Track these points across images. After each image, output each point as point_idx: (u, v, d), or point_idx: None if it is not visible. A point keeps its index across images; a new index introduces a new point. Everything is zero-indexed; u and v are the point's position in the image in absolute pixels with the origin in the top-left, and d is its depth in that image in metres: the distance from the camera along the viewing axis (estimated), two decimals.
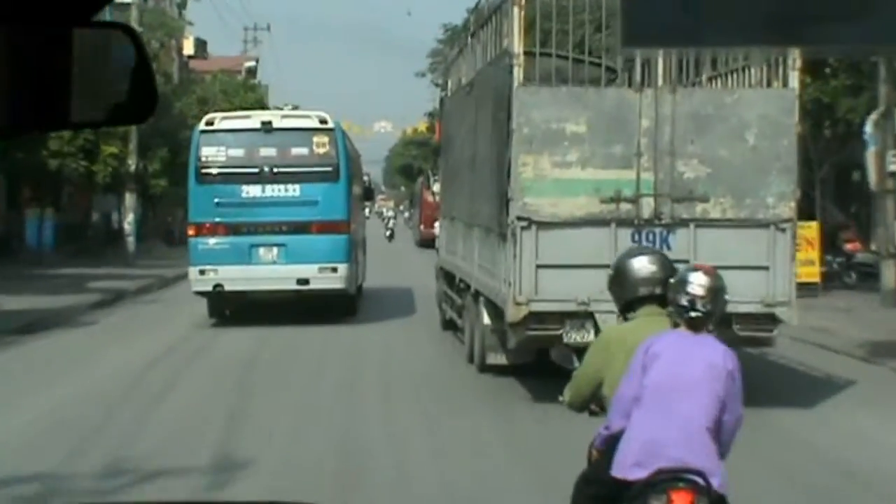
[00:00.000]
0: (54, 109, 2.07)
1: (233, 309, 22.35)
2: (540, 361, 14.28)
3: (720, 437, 5.54)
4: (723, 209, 12.84)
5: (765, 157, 12.84)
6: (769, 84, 13.07)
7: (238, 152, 21.29)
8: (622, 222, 12.89)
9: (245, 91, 59.06)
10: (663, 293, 5.85)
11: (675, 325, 5.64)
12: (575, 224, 12.90)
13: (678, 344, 5.57)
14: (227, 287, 21.27)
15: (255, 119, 21.91)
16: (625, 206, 12.88)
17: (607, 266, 12.99)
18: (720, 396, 5.50)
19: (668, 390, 5.46)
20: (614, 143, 12.90)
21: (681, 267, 12.82)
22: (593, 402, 6.18)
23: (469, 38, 17.76)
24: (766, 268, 12.86)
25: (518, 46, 12.95)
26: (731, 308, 12.95)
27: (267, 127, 21.35)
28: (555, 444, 11.93)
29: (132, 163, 38.97)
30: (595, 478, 5.85)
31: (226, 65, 64.11)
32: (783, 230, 12.86)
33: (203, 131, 21.55)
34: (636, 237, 12.92)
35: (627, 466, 5.48)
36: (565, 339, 12.92)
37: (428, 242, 43.69)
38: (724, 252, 12.97)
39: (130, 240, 39.07)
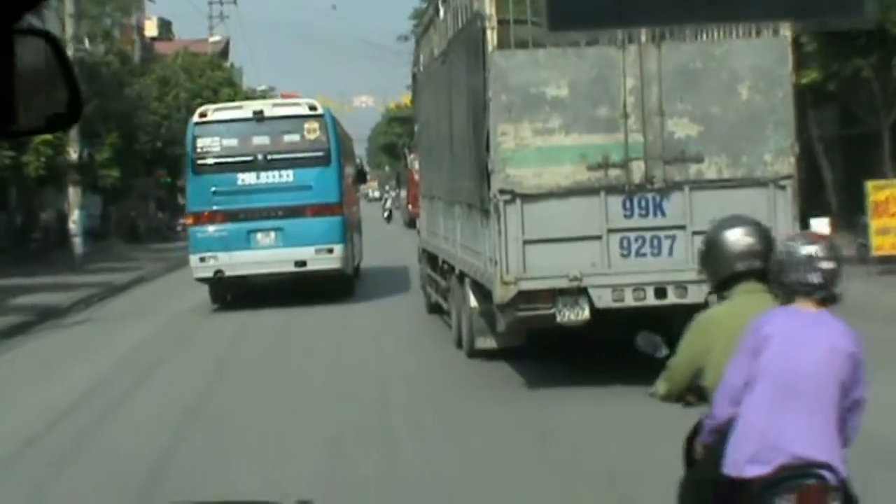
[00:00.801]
0: None
1: (234, 293, 23.49)
2: (531, 344, 13.66)
3: (844, 425, 5.01)
4: (718, 169, 12.24)
5: (759, 110, 12.26)
6: (758, 33, 12.31)
7: (232, 142, 22.27)
8: (612, 189, 12.29)
9: (212, 69, 56.92)
10: (763, 267, 5.36)
11: (784, 303, 5.07)
12: (561, 194, 12.31)
13: (793, 324, 5.00)
14: (228, 272, 22.37)
15: (246, 109, 22.98)
16: (614, 172, 12.26)
17: (598, 237, 12.62)
18: (843, 381, 4.97)
19: (786, 376, 4.93)
20: (599, 106, 12.28)
21: (679, 233, 12.38)
22: (691, 393, 5.67)
23: (440, 6, 16.96)
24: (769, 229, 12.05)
25: (490, 8, 12.22)
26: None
27: (259, 116, 22.34)
28: (557, 429, 11.34)
29: (74, 152, 34.16)
30: (705, 477, 5.26)
31: (195, 48, 61.53)
32: (783, 188, 12.23)
33: (197, 123, 22.52)
34: (628, 204, 12.29)
35: (743, 463, 4.94)
36: (558, 319, 12.31)
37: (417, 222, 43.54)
38: (723, 214, 12.13)
39: (77, 241, 34.36)
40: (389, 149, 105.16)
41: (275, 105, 23.86)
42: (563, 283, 12.24)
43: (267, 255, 22.17)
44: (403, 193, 56.73)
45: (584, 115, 12.31)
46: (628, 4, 1.56)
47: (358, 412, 12.55)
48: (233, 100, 51.61)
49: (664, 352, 5.90)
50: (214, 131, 22.39)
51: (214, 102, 51.62)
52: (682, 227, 12.31)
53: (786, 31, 12.30)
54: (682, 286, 12.24)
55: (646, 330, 6.15)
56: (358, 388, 13.97)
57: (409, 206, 52.15)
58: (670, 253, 12.30)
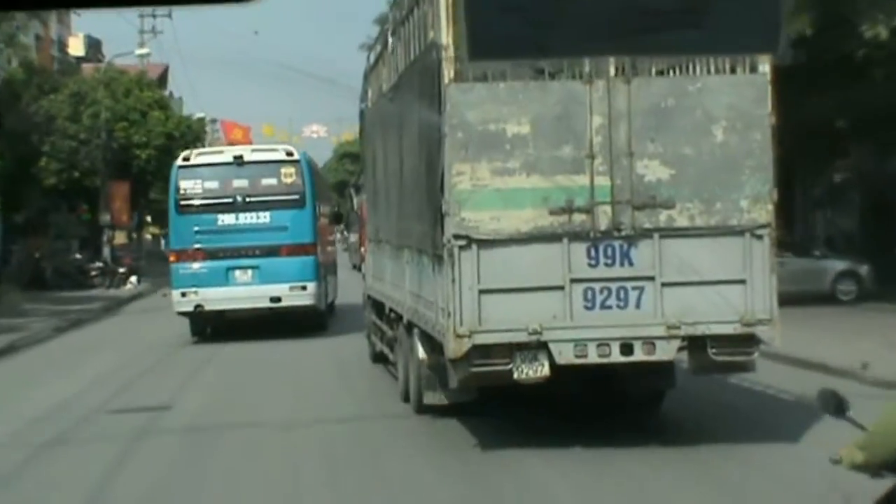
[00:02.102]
0: None
1: (213, 326, 25.30)
2: (484, 399, 12.75)
3: None
4: (690, 216, 11.53)
5: (735, 153, 11.62)
6: (733, 70, 11.54)
7: (213, 184, 24.32)
8: (576, 236, 11.58)
9: (141, 90, 51.58)
10: None
11: None
12: (521, 240, 11.60)
13: None
14: (207, 307, 24.35)
15: (227, 154, 25.29)
16: (578, 217, 11.53)
17: (560, 288, 11.76)
18: None
19: None
20: (563, 145, 11.58)
21: (648, 286, 11.55)
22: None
23: (389, 38, 16.09)
24: (743, 281, 11.39)
25: (447, 37, 11.40)
26: (705, 329, 11.68)
27: (238, 161, 24.39)
28: (512, 496, 10.38)
29: None
30: None
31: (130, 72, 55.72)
32: (760, 237, 11.50)
33: (181, 167, 24.69)
34: (593, 252, 11.51)
35: None
36: (516, 375, 11.47)
37: None
38: (695, 265, 11.60)
39: None
40: (341, 187, 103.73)
41: (254, 150, 25.82)
42: (521, 337, 11.48)
43: (244, 292, 24.12)
44: (353, 237, 55.41)
45: (546, 154, 11.59)
46: (551, 36, 1.60)
47: (292, 478, 11.53)
48: (164, 123, 50.40)
49: (849, 413, 5.23)
50: (196, 174, 24.40)
51: (142, 126, 49.26)
52: (651, 279, 11.53)
53: (765, 67, 11.52)
54: (649, 342, 11.46)
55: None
56: (295, 448, 12.92)
57: (362, 249, 51.15)
58: (638, 306, 11.49)
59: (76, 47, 58.51)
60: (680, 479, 10.90)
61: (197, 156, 25.34)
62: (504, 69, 11.56)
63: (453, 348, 11.55)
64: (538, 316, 11.46)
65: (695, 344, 11.74)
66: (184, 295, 24.41)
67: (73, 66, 53.75)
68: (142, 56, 56.76)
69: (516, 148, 11.56)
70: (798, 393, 14.52)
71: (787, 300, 22.10)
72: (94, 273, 46.13)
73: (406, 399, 14.85)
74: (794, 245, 27.81)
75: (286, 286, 24.11)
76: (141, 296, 42.06)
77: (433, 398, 13.73)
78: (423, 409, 14.02)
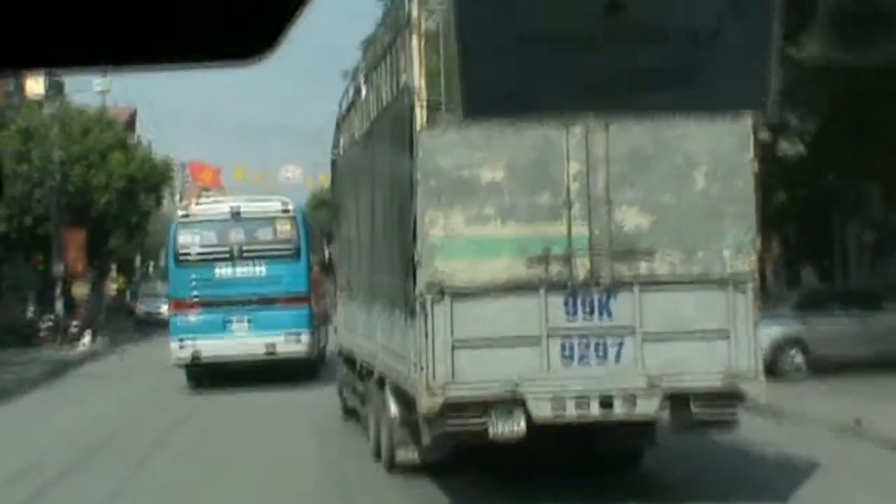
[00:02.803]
0: None
1: (210, 376, 25.52)
2: (458, 456, 12.29)
3: None
4: (671, 265, 11.24)
5: (717, 201, 11.34)
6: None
7: (211, 237, 25.24)
8: (553, 287, 11.24)
9: (101, 130, 47.72)
10: None
11: None
12: (496, 291, 11.25)
13: None
14: (204, 356, 24.98)
15: (224, 207, 26.02)
16: (555, 267, 11.22)
17: (537, 340, 11.33)
18: None
19: None
20: (539, 192, 11.27)
21: (628, 339, 11.15)
22: None
23: (362, 84, 15.75)
24: (727, 335, 10.93)
25: (419, 80, 11.03)
26: (687, 385, 11.27)
27: (235, 214, 25.27)
28: None
29: None
30: None
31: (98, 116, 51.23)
32: (743, 288, 11.08)
33: (180, 221, 25.97)
34: (570, 303, 11.12)
35: None
36: (491, 433, 10.95)
37: None
38: (676, 317, 11.23)
39: None
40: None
41: (251, 200, 26.80)
42: (497, 393, 11.07)
43: (240, 341, 24.88)
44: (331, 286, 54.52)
45: (522, 201, 11.28)
46: (543, 94, 1.62)
47: None
48: (126, 165, 46.98)
49: None
50: (195, 228, 25.46)
51: (102, 168, 45.50)
52: (631, 331, 11.16)
53: (746, 114, 11.16)
54: (630, 397, 11.08)
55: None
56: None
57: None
58: (617, 359, 11.11)
59: (35, 86, 50.48)
60: None
61: (195, 210, 26.50)
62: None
63: (426, 404, 11.13)
64: (514, 370, 11.11)
65: (676, 400, 11.34)
66: (181, 346, 25.16)
67: (22, 100, 47.29)
68: (102, 92, 52.21)
69: (491, 195, 11.22)
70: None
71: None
72: (43, 330, 42.63)
73: (378, 456, 14.43)
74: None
75: (281, 336, 24.93)
76: (95, 356, 38.34)
77: (405, 455, 13.31)
78: (394, 466, 13.56)
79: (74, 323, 42.56)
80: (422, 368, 11.14)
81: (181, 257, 25.56)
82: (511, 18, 1.67)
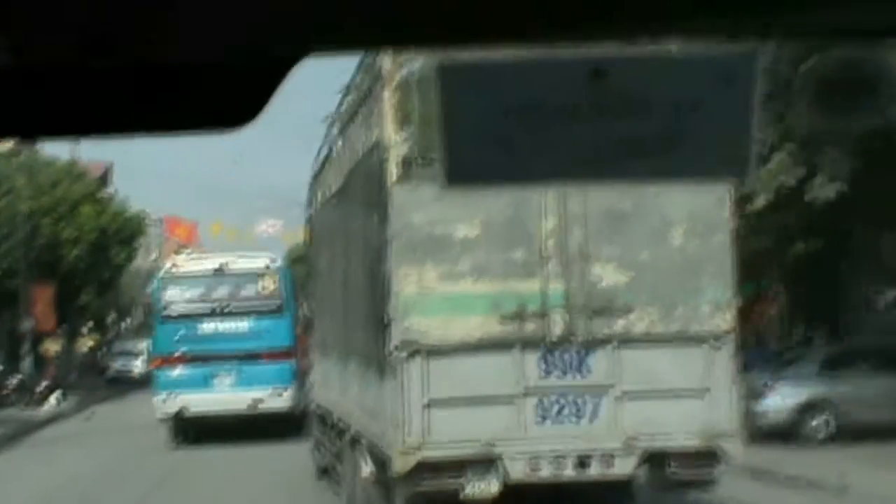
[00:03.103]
0: None
1: (194, 431, 25.50)
2: None
3: None
4: (649, 322, 11.12)
5: (695, 258, 11.25)
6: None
7: (196, 293, 25.42)
8: (528, 344, 11.12)
9: (71, 182, 45.51)
10: None
11: None
12: (471, 349, 11.12)
13: None
14: (190, 410, 24.99)
15: (210, 263, 26.32)
16: (530, 325, 11.10)
17: (513, 399, 11.15)
18: None
19: None
20: (514, 248, 11.15)
21: (605, 397, 10.97)
22: None
23: (337, 139, 15.62)
24: (705, 392, 10.81)
25: (393, 135, 10.92)
26: (663, 444, 11.09)
27: (220, 271, 25.52)
28: None
29: None
30: None
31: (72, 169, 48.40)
32: (721, 345, 10.98)
33: (164, 277, 26.43)
34: (546, 360, 10.95)
35: None
36: (468, 492, 10.71)
37: None
38: (653, 375, 11.12)
39: None
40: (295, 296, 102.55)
41: (237, 258, 26.67)
42: (473, 452, 10.94)
43: (225, 395, 24.84)
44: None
45: (497, 258, 11.17)
46: (526, 161, 1.63)
47: None
48: (96, 219, 45.23)
49: None
50: (180, 284, 25.68)
51: (71, 221, 43.45)
52: (608, 388, 10.98)
53: (725, 181, 11.06)
54: (607, 457, 10.87)
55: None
56: None
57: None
58: (594, 418, 10.98)
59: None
60: None
61: (180, 266, 26.73)
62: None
63: (399, 464, 10.95)
64: (490, 428, 10.98)
65: (654, 459, 11.16)
66: (166, 400, 25.36)
67: None
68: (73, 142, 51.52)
69: (465, 251, 11.10)
70: None
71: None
72: (9, 389, 39.67)
73: None
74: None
75: (266, 390, 25.01)
76: (61, 417, 36.23)
77: None
78: None
79: (44, 383, 40.42)
80: (395, 427, 10.94)
81: (166, 312, 25.73)
82: (495, 88, 1.69)
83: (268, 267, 25.91)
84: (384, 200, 11.23)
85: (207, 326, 25.19)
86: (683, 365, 11.17)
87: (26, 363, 42.91)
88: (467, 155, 1.66)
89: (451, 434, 10.90)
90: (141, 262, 77.87)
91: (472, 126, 1.68)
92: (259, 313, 25.17)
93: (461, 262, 11.09)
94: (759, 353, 28.80)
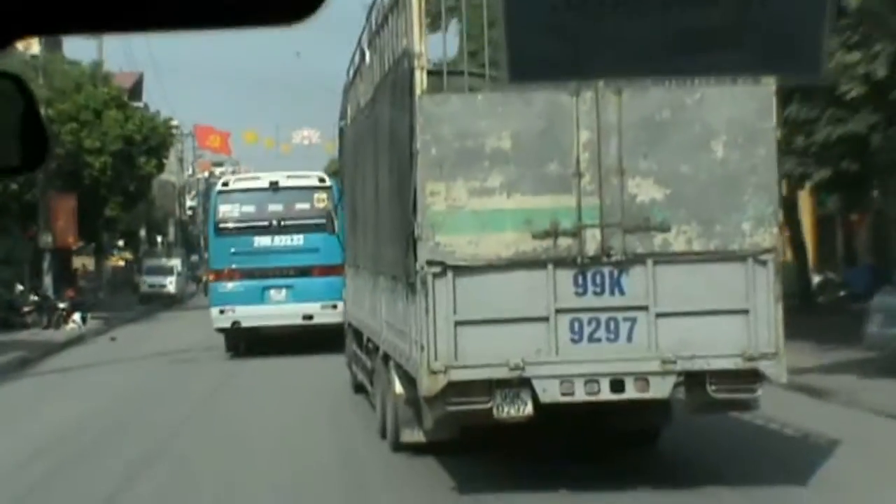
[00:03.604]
0: None
1: (247, 343, 26.85)
2: (466, 437, 11.78)
3: None
4: (687, 239, 10.70)
5: (737, 171, 10.80)
6: (735, 80, 10.52)
7: (250, 208, 26.39)
8: (561, 262, 10.70)
9: (94, 86, 43.32)
10: None
11: None
12: (502, 267, 10.72)
13: None
14: (244, 324, 26.16)
15: (264, 180, 27.12)
16: (564, 242, 10.69)
17: (545, 319, 10.75)
18: None
19: None
20: (547, 162, 10.73)
21: (641, 317, 10.57)
22: None
23: (366, 50, 15.13)
24: (746, 311, 10.48)
25: (420, 45, 10.56)
26: (704, 364, 10.69)
27: (274, 186, 26.39)
28: None
29: None
30: None
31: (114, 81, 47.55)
32: (763, 263, 10.58)
33: (220, 192, 27.24)
34: (580, 280, 10.67)
35: None
36: (496, 415, 10.46)
37: None
38: (692, 294, 10.72)
39: None
40: None
41: (289, 177, 27.28)
42: (502, 373, 10.60)
43: (279, 309, 25.88)
44: None
45: (529, 173, 10.73)
46: (589, 57, 1.60)
47: None
48: (123, 125, 43.53)
49: None
50: (235, 199, 26.59)
51: (97, 128, 41.27)
52: (644, 308, 10.61)
53: (769, 78, 10.51)
54: (642, 378, 10.53)
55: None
56: (261, 485, 11.90)
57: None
58: (629, 338, 10.57)
59: (31, 44, 44.70)
60: None
61: (236, 181, 27.85)
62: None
63: (427, 385, 10.60)
64: (520, 350, 10.58)
65: (692, 380, 10.78)
66: (222, 312, 26.34)
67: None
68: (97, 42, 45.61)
69: (496, 165, 10.65)
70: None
71: None
72: (27, 309, 37.60)
73: (384, 435, 13.92)
74: None
75: (318, 304, 25.63)
76: (82, 340, 34.25)
77: (411, 435, 12.80)
78: (399, 446, 13.04)
79: (62, 303, 37.87)
80: (423, 348, 10.61)
81: (220, 227, 26.58)
82: None
83: (321, 182, 26.70)
84: (411, 112, 10.79)
85: (262, 241, 26.06)
86: (723, 284, 10.74)
87: (46, 281, 40.79)
88: (530, 50, 1.61)
89: (480, 355, 10.54)
90: (175, 177, 77.37)
91: (535, 21, 1.64)
92: (311, 229, 25.47)
93: (492, 177, 10.65)
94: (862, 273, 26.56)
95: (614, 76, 1.81)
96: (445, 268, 10.58)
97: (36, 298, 38.66)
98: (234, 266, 26.37)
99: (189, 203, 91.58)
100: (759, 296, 10.67)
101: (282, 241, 26.04)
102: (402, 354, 12.09)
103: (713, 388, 10.72)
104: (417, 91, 10.64)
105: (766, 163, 10.73)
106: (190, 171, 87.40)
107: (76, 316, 37.15)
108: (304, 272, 25.87)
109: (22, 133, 2.24)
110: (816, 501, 10.83)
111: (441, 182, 10.61)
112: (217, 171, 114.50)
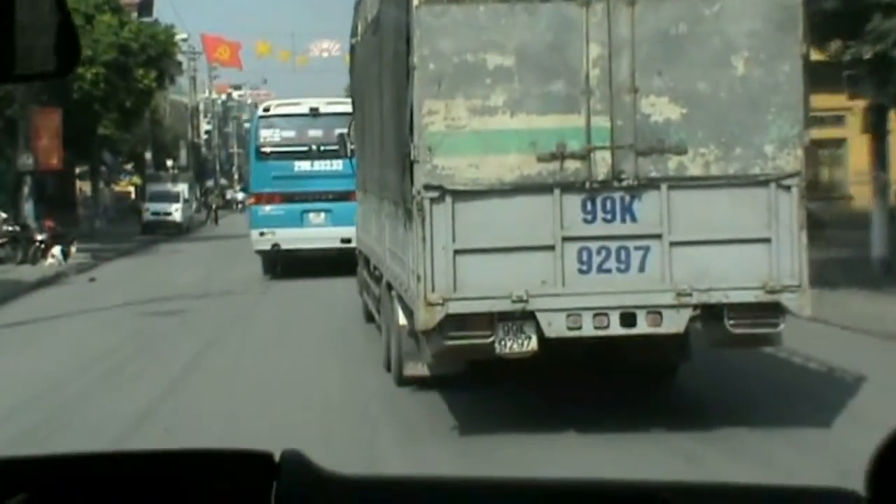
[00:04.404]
0: None
1: (283, 264, 27.70)
2: (473, 372, 11.20)
3: None
4: (705, 163, 10.07)
5: (759, 89, 10.12)
6: None
7: (290, 133, 26.93)
8: (569, 186, 10.07)
9: (102, 13, 39.79)
10: None
11: None
12: (504, 191, 10.08)
13: None
14: (283, 246, 27.04)
15: (304, 105, 27.39)
16: (572, 164, 10.07)
17: (551, 248, 10.07)
18: None
19: None
20: (554, 79, 10.07)
21: (655, 246, 9.88)
22: None
23: None
24: (767, 240, 9.96)
25: None
26: (721, 297, 9.98)
27: (314, 112, 26.87)
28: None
29: None
30: None
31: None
32: (787, 188, 10.05)
33: (261, 116, 27.83)
34: (589, 206, 10.00)
35: None
36: (498, 350, 9.92)
37: None
38: (710, 221, 10.12)
39: None
40: None
41: (329, 103, 27.58)
42: (504, 306, 10.02)
43: (317, 233, 26.56)
44: None
45: (534, 90, 10.07)
46: None
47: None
48: (117, 33, 39.95)
49: None
50: (276, 123, 27.11)
51: (87, 34, 36.78)
52: (658, 237, 9.96)
53: None
54: (655, 311, 9.90)
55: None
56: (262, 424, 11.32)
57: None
58: (641, 269, 9.93)
59: None
60: (695, 465, 9.25)
61: (277, 106, 28.15)
62: None
63: (424, 318, 10.01)
64: (524, 281, 9.98)
65: (710, 313, 10.14)
66: (262, 235, 27.14)
67: None
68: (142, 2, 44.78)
69: (499, 82, 9.97)
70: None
71: None
72: (0, 241, 33.34)
73: (389, 368, 13.31)
74: None
75: (355, 228, 26.69)
76: (58, 279, 29.81)
77: (414, 369, 12.25)
78: (404, 381, 12.48)
79: (41, 235, 33.60)
80: (419, 278, 9.95)
81: (262, 151, 27.21)
82: None
83: None
84: (408, 23, 10.05)
85: (301, 166, 26.61)
86: (743, 210, 10.05)
87: (27, 208, 36.84)
88: None
89: (481, 286, 9.92)
90: (187, 98, 75.63)
91: None
92: (351, 154, 25.38)
93: (494, 95, 9.95)
94: None
95: None
96: (444, 192, 9.92)
97: (12, 229, 34.29)
98: (274, 190, 26.97)
99: (205, 126, 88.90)
100: (783, 224, 10.00)
101: (321, 165, 26.40)
102: (402, 284, 11.46)
103: (732, 322, 10.06)
104: (415, 2, 9.89)
105: (790, 80, 9.99)
106: (206, 93, 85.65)
107: (56, 250, 32.86)
108: (342, 197, 25.60)
109: (56, 36, 2.26)
110: (842, 441, 10.17)
111: (439, 100, 9.91)
112: (235, 93, 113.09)
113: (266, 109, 28.24)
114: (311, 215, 26.83)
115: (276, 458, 1.90)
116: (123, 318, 21.10)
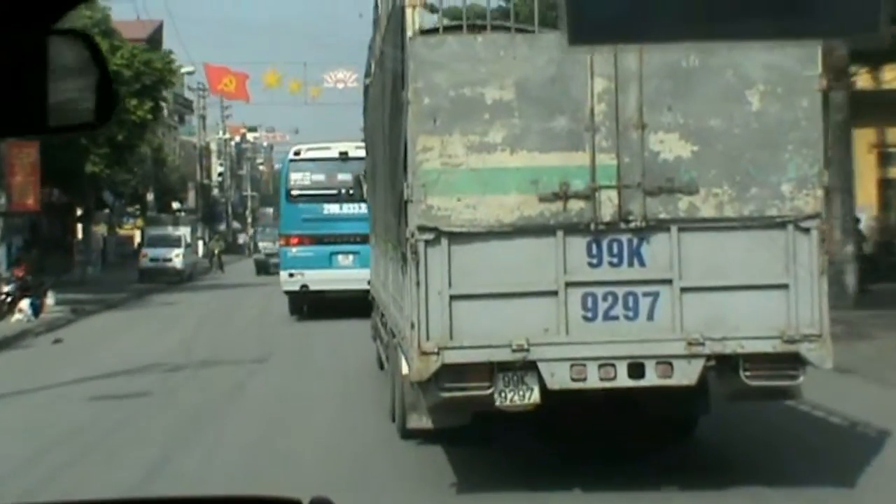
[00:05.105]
0: (22, 114, 2.26)
1: (311, 306, 28.84)
2: (480, 423, 10.68)
3: None
4: (718, 203, 9.60)
5: (776, 125, 9.62)
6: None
7: (320, 177, 27.90)
8: (573, 228, 9.58)
9: (101, 36, 35.41)
10: None
11: None
12: (504, 233, 9.59)
13: None
14: (311, 287, 27.93)
15: (333, 150, 28.21)
16: (576, 205, 9.61)
17: (553, 293, 9.52)
18: None
19: None
20: (557, 114, 9.62)
21: (664, 292, 9.33)
22: None
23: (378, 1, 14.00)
24: (785, 286, 9.41)
25: None
26: (736, 347, 9.39)
27: (343, 156, 27.48)
28: None
29: None
30: None
31: (126, 32, 42.57)
32: (806, 230, 9.56)
33: (292, 160, 28.89)
34: (594, 249, 9.53)
35: None
36: (497, 402, 9.37)
37: None
38: (723, 266, 9.70)
39: None
40: None
41: (357, 147, 27.40)
42: (503, 355, 9.53)
43: (345, 275, 26.98)
44: None
45: (536, 126, 9.60)
46: (646, 19, 1.58)
47: None
48: (114, 53, 36.47)
49: None
50: (306, 167, 28.11)
51: None
52: (668, 282, 9.49)
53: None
54: (666, 362, 9.37)
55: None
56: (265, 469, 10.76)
57: None
58: (650, 316, 9.46)
59: None
60: None
61: (307, 151, 28.84)
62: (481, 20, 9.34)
63: (418, 368, 9.54)
64: (525, 328, 9.47)
65: (725, 365, 9.55)
66: (291, 276, 28.11)
67: None
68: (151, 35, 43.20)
69: (498, 118, 9.54)
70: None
71: None
72: None
73: (394, 419, 12.79)
74: None
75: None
76: (21, 340, 25.55)
77: (418, 421, 11.66)
78: (407, 433, 11.99)
79: (6, 286, 29.71)
80: (413, 325, 9.44)
81: (292, 194, 28.09)
82: None
83: None
84: (403, 55, 9.60)
85: (330, 209, 27.48)
86: (759, 254, 9.53)
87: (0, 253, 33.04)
88: (590, 12, 1.56)
89: (479, 335, 9.42)
90: (195, 138, 74.05)
91: None
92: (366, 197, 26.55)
93: (493, 131, 9.49)
94: None
95: (672, 40, 1.62)
96: (439, 234, 9.44)
97: None
98: (303, 232, 27.81)
99: (217, 168, 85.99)
100: (802, 269, 9.46)
101: (349, 208, 26.78)
102: (400, 332, 10.95)
103: (748, 373, 9.50)
104: (409, 32, 9.46)
105: (809, 116, 9.49)
106: (220, 133, 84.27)
107: (24, 303, 28.85)
108: (368, 239, 26.17)
109: (96, 89, 2.29)
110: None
111: (435, 136, 9.45)
112: (249, 135, 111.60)
113: (297, 153, 29.08)
114: (340, 257, 27.58)
115: None
116: (66, 403, 15.98)
